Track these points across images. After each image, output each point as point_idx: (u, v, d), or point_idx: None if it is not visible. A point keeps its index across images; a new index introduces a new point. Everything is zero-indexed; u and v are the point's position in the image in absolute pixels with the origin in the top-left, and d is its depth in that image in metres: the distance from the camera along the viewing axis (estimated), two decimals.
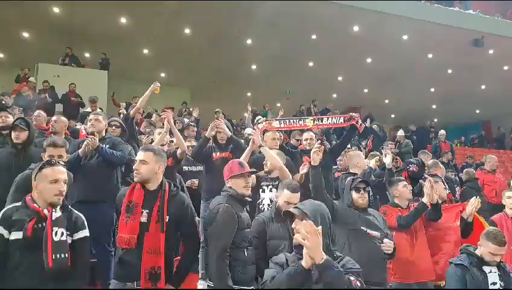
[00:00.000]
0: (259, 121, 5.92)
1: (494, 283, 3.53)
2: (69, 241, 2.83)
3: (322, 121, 5.92)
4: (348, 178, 4.10)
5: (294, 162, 5.41)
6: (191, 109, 13.17)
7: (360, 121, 5.63)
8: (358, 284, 2.30)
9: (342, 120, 5.76)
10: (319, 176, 3.89)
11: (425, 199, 4.26)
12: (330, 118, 5.93)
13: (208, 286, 3.22)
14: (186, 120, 10.02)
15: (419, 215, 4.29)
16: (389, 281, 4.20)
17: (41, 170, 2.84)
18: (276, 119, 5.96)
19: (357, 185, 3.85)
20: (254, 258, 3.32)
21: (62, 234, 2.77)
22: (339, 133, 11.24)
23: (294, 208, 2.54)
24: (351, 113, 5.78)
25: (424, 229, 4.48)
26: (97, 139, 4.52)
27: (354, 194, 3.83)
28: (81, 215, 3.01)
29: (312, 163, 3.90)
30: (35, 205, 2.79)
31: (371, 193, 4.98)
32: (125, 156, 4.84)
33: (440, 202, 4.47)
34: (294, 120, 5.98)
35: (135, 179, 3.19)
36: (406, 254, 4.24)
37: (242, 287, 3.17)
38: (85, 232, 2.95)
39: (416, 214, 4.27)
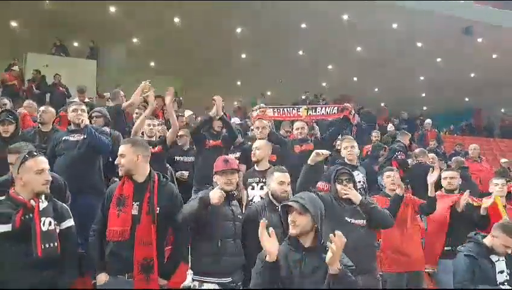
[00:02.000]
0: (253, 109, 5.91)
1: (501, 271, 3.61)
2: (57, 230, 2.88)
3: (315, 111, 5.89)
4: (332, 169, 4.10)
5: (283, 149, 5.46)
6: (181, 98, 13.12)
7: (353, 112, 5.65)
8: None
9: (335, 110, 5.73)
10: (310, 176, 3.87)
11: (398, 190, 4.22)
12: (324, 108, 5.92)
13: (193, 278, 3.27)
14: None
15: (396, 206, 4.22)
16: (379, 271, 4.26)
17: (24, 162, 2.86)
18: (270, 108, 5.93)
19: (340, 177, 3.83)
20: (237, 250, 3.37)
21: (50, 223, 2.82)
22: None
23: (293, 201, 2.55)
24: (345, 104, 5.76)
25: (416, 220, 4.52)
26: (87, 119, 4.56)
27: (338, 186, 3.81)
28: (63, 204, 3.07)
29: (309, 162, 3.84)
30: (20, 197, 2.82)
31: (360, 181, 5.03)
32: (110, 144, 4.77)
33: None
34: (288, 109, 5.97)
35: (120, 173, 3.24)
36: (397, 244, 4.29)
37: (214, 280, 3.22)
38: (71, 221, 3.02)
39: (393, 206, 4.21)
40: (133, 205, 3.09)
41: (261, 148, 4.56)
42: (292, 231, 2.51)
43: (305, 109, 5.93)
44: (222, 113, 5.51)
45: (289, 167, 4.83)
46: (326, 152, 3.87)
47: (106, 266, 3.11)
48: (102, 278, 3.07)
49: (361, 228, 3.69)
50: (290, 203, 2.55)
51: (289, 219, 2.53)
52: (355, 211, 3.73)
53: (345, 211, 3.71)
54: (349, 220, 3.67)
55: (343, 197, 3.75)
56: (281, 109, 5.91)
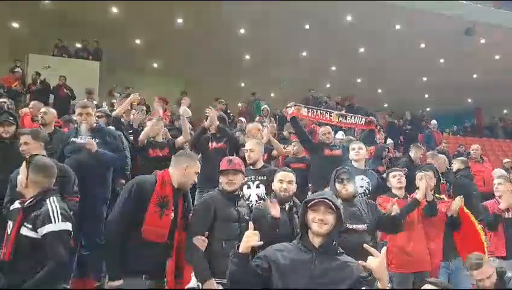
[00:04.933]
0: (288, 105, 6.02)
1: None
2: (35, 235, 2.76)
3: (346, 119, 6.29)
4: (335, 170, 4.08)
5: (314, 153, 5.79)
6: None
7: (379, 127, 5.90)
8: None
9: (363, 121, 6.24)
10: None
11: (418, 195, 4.28)
12: (353, 117, 6.32)
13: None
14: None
15: (410, 211, 4.30)
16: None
17: None
18: (305, 107, 6.16)
19: (340, 176, 3.83)
20: None
21: (11, 227, 2.81)
22: None
23: (324, 198, 2.47)
24: (371, 117, 6.24)
25: (421, 221, 4.49)
26: (95, 145, 4.48)
27: (338, 186, 3.81)
28: (50, 207, 2.81)
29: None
30: None
31: (363, 186, 5.01)
32: (123, 157, 4.93)
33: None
34: (322, 111, 6.29)
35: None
36: (403, 245, 4.31)
37: (218, 280, 3.21)
38: (51, 227, 2.75)
39: (407, 210, 4.27)
40: (172, 208, 3.13)
41: (254, 150, 4.54)
42: (320, 229, 2.43)
43: (337, 114, 6.31)
44: (218, 123, 5.52)
45: (316, 168, 4.89)
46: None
47: (131, 266, 3.05)
48: (117, 284, 2.99)
49: (361, 232, 3.67)
50: (323, 199, 2.47)
51: (314, 217, 2.45)
52: (356, 215, 3.72)
53: (345, 217, 3.68)
54: (350, 226, 3.62)
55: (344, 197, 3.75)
56: (315, 110, 6.21)
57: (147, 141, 5.37)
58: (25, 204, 2.82)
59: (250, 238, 2.37)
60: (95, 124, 4.80)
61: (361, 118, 6.24)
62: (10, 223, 2.82)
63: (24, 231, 2.75)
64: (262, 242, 2.40)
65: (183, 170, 3.22)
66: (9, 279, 2.73)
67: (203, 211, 3.36)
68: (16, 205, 2.86)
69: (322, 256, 2.43)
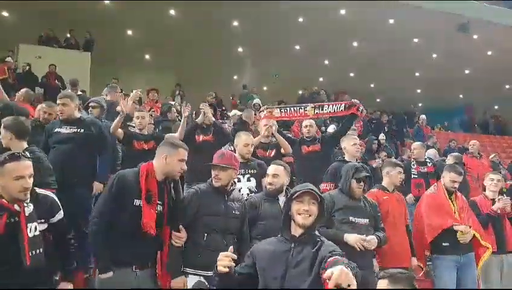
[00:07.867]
0: (260, 110, 5.90)
1: None
2: (45, 226, 2.80)
3: (322, 109, 5.81)
4: (351, 165, 3.95)
5: (293, 149, 5.57)
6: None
7: (361, 108, 5.60)
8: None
9: (342, 107, 5.67)
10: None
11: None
12: (331, 106, 5.82)
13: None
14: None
15: None
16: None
17: (4, 164, 2.63)
18: (277, 108, 5.93)
19: (360, 177, 3.76)
20: (228, 245, 3.31)
21: (35, 228, 2.71)
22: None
23: (309, 189, 2.49)
24: (353, 100, 5.71)
25: (404, 219, 4.51)
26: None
27: (354, 183, 3.76)
28: (51, 195, 2.96)
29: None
30: (3, 200, 2.65)
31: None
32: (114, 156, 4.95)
33: None
34: (295, 108, 5.92)
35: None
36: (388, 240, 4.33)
37: (197, 272, 3.22)
38: (61, 213, 2.98)
39: None
40: (158, 203, 3.10)
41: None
42: (305, 221, 2.44)
43: (312, 107, 5.86)
44: (214, 120, 5.54)
45: (297, 165, 4.82)
46: None
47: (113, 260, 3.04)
48: (107, 276, 2.98)
49: (364, 227, 3.71)
50: (307, 190, 2.47)
51: (299, 208, 2.46)
52: (360, 209, 3.76)
53: (349, 209, 3.73)
54: (352, 219, 3.68)
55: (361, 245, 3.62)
56: (288, 108, 5.87)
57: (133, 134, 5.21)
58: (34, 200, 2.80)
59: (220, 262, 2.31)
60: (79, 115, 4.70)
61: (341, 104, 5.77)
62: (31, 226, 2.69)
63: (38, 231, 2.72)
64: (227, 269, 2.32)
65: (164, 160, 3.12)
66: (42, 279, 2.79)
67: (185, 203, 3.34)
68: (31, 206, 2.73)
69: (301, 246, 2.43)
